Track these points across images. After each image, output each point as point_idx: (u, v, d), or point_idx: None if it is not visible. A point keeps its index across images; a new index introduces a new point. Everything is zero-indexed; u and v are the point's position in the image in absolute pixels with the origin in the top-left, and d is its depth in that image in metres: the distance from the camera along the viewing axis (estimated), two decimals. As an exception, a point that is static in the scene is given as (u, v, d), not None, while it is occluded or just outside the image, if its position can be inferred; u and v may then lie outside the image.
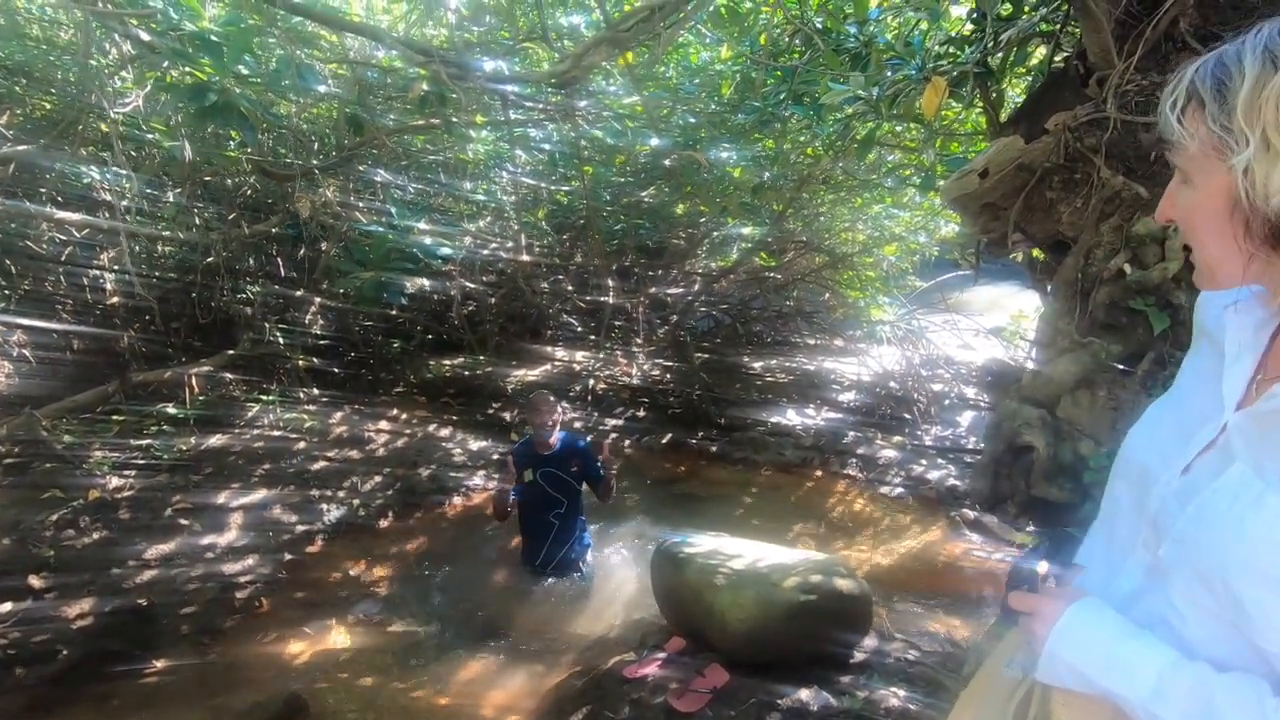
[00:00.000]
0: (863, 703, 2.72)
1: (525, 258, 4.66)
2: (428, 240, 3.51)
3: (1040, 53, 3.01)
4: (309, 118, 4.71)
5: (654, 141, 3.67)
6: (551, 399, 3.97)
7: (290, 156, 4.40)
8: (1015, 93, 3.19)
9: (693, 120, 3.53)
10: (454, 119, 3.29)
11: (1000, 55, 2.74)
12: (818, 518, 4.74)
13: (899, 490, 5.00)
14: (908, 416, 6.24)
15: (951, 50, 2.86)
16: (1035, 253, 2.07)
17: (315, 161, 4.02)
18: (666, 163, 3.90)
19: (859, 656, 3.09)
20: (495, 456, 5.30)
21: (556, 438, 3.84)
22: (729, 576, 2.96)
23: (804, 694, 2.77)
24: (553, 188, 4.74)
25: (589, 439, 4.10)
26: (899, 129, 3.27)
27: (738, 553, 3.20)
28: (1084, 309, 1.65)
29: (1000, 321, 7.45)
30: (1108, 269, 1.59)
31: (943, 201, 1.88)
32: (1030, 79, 2.99)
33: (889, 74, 2.60)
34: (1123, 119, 1.57)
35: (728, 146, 3.67)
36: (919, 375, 6.71)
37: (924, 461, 5.31)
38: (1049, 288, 1.79)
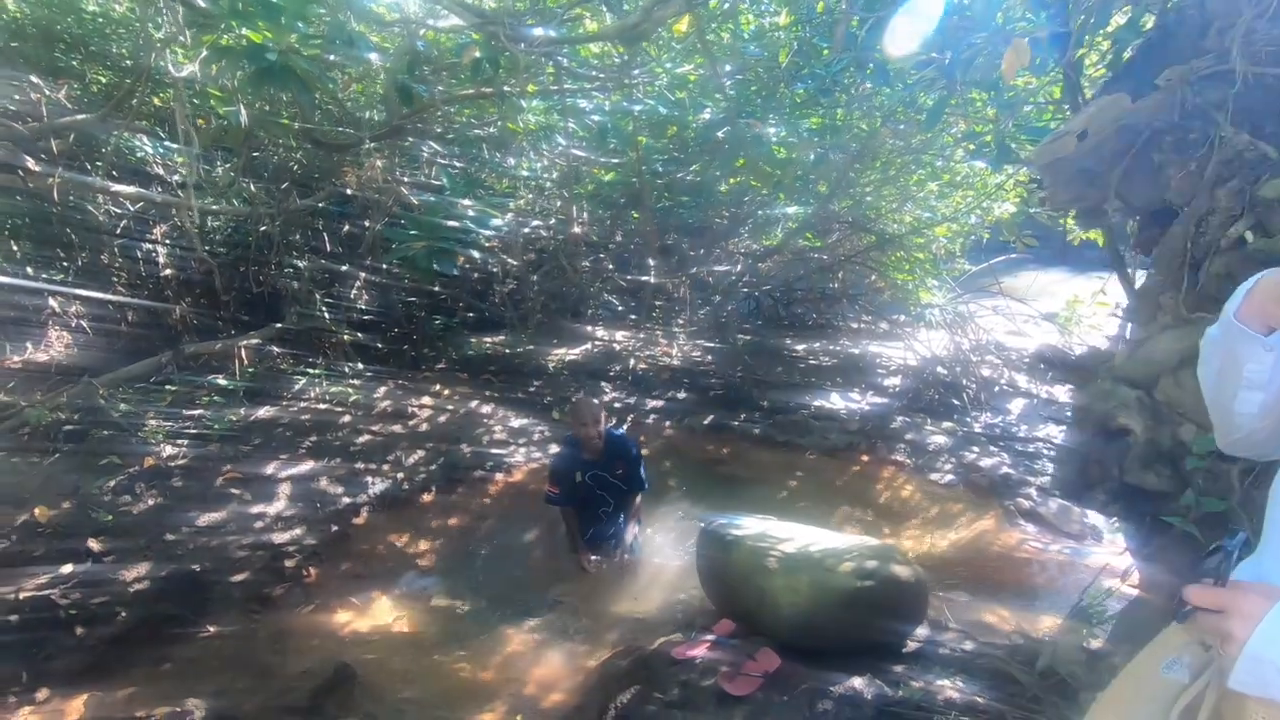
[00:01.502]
0: (920, 693, 2.63)
1: (577, 230, 4.58)
2: (474, 213, 3.46)
3: (1117, 20, 2.82)
4: (359, 90, 4.70)
5: (706, 114, 3.56)
6: (595, 405, 3.89)
7: (341, 128, 4.39)
8: (1095, 57, 3.00)
9: (751, 85, 3.38)
10: (507, 87, 3.21)
11: (1081, 17, 2.57)
12: (864, 503, 4.63)
13: (949, 478, 4.85)
14: (956, 403, 6.06)
15: (1028, 15, 2.70)
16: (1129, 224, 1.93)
17: (366, 132, 3.99)
18: (719, 134, 3.79)
19: (912, 646, 2.99)
20: (536, 437, 5.29)
21: (601, 442, 3.79)
22: (781, 560, 2.88)
23: (857, 682, 2.69)
24: (603, 160, 4.65)
25: (636, 441, 4.04)
26: (969, 96, 3.10)
27: (788, 536, 3.11)
28: (1193, 281, 1.52)
29: (1051, 307, 7.20)
30: (1225, 237, 1.46)
31: (1031, 166, 1.76)
32: (1114, 43, 2.80)
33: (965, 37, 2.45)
34: (1254, 71, 1.42)
35: (782, 119, 3.54)
36: (968, 360, 6.50)
37: (975, 449, 5.15)
38: (1151, 259, 1.66)
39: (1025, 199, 6.21)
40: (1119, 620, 2.00)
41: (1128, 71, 1.70)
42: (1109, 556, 3.84)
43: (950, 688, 2.69)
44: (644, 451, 4.13)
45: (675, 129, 4.00)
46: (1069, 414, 1.92)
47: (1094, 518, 4.28)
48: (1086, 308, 7.32)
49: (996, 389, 6.37)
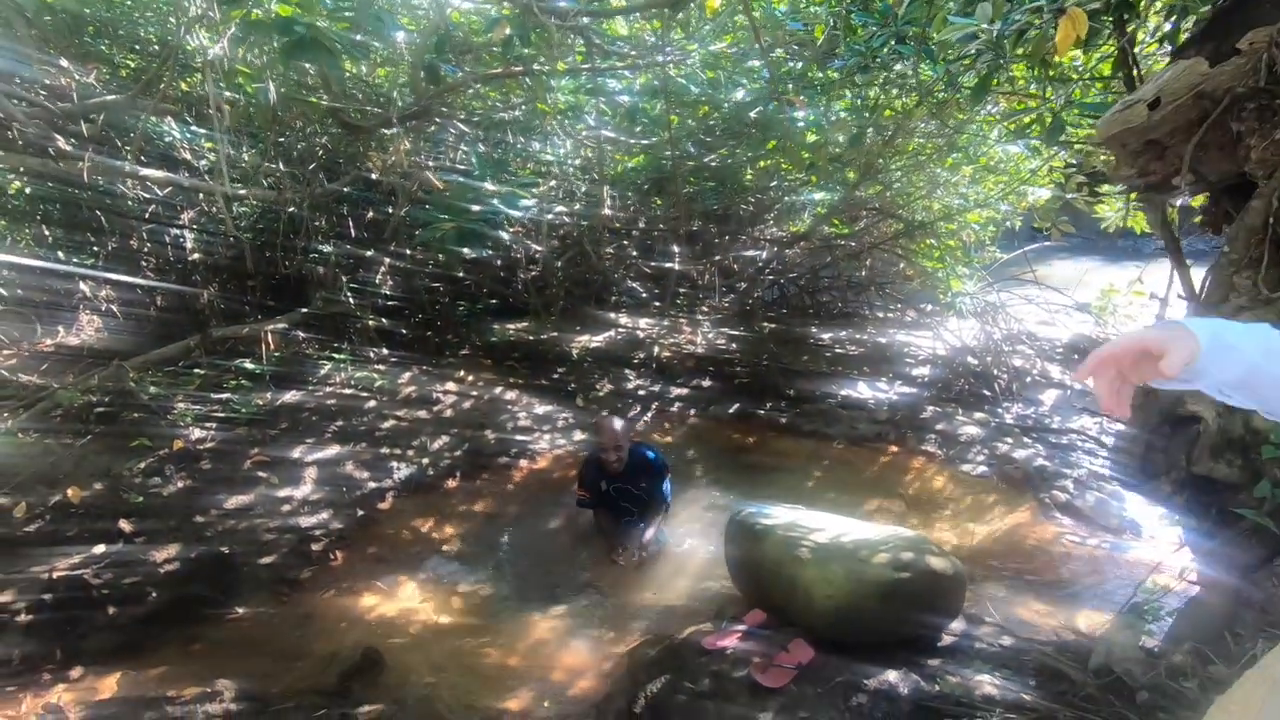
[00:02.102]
0: (958, 688, 2.56)
1: (606, 211, 4.50)
2: (501, 195, 3.41)
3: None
4: (383, 74, 4.66)
5: (739, 93, 3.46)
6: (618, 426, 3.86)
7: (368, 109, 4.33)
8: (1148, 30, 2.86)
9: (786, 64, 3.27)
10: (537, 65, 3.15)
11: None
12: (894, 494, 4.54)
13: (982, 469, 4.74)
14: (987, 393, 5.92)
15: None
16: (1195, 200, 1.83)
17: (393, 113, 3.94)
18: (752, 114, 3.69)
19: (948, 640, 2.92)
20: (560, 424, 5.26)
21: (623, 462, 3.79)
22: (814, 550, 2.82)
23: (892, 676, 2.62)
24: (633, 142, 4.56)
25: (663, 458, 4.03)
26: (1012, 74, 2.97)
27: (820, 526, 3.05)
28: (1274, 259, 1.42)
29: (1083, 298, 7.03)
30: (1312, 211, 1.36)
31: (1096, 138, 1.66)
32: (1171, 14, 2.66)
33: (1016, 5, 2.33)
34: (1351, 29, 1.32)
35: (816, 99, 3.43)
36: (1000, 350, 6.35)
37: (1009, 440, 5.03)
38: (1225, 236, 1.56)
39: (1062, 184, 6.04)
40: (1178, 619, 1.91)
41: (1206, 34, 1.59)
42: (1153, 552, 3.73)
43: (989, 683, 2.61)
44: (669, 446, 4.10)
45: (707, 109, 3.91)
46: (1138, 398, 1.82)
47: (1134, 511, 4.15)
48: (1122, 297, 7.16)
49: (1029, 379, 6.22)
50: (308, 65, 3.07)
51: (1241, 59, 1.47)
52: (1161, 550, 3.70)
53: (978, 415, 5.46)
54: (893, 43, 2.90)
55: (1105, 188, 6.16)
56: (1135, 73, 2.47)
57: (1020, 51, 2.35)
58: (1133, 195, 5.96)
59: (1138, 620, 1.97)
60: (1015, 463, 4.71)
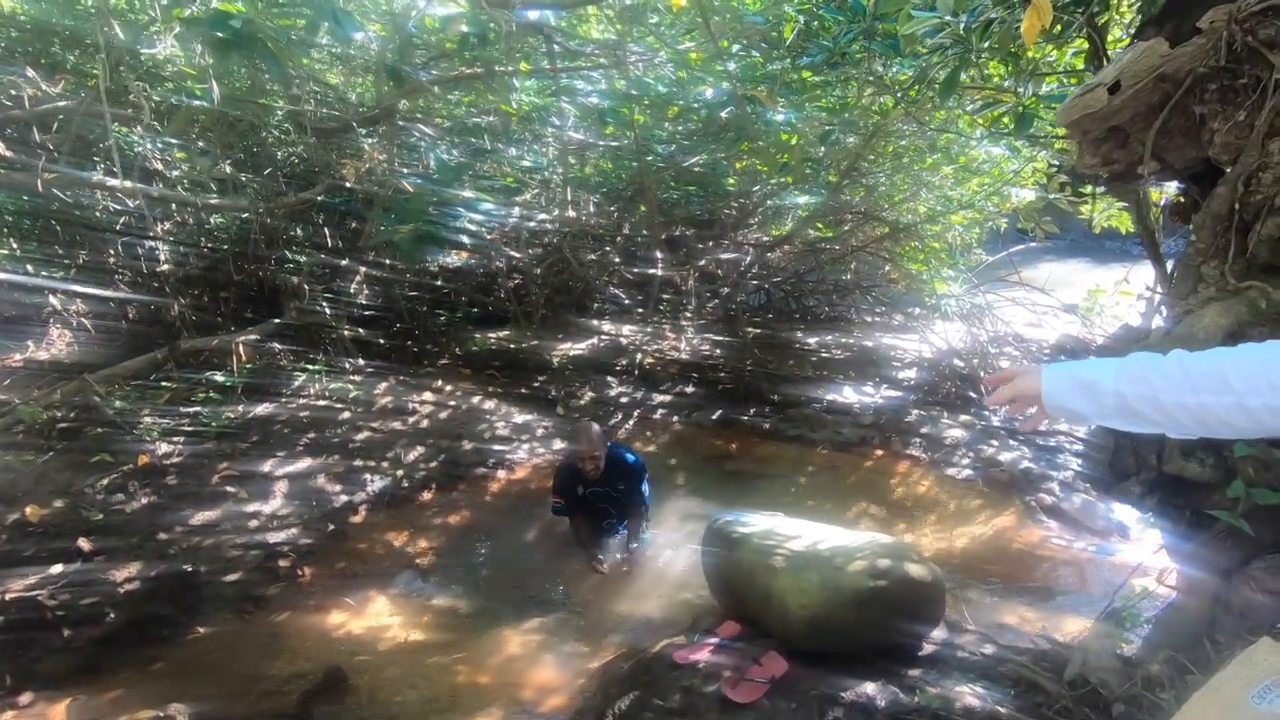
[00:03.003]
0: (937, 699, 2.48)
1: (571, 213, 4.43)
2: (464, 198, 3.32)
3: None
4: (338, 77, 4.57)
5: (709, 93, 3.40)
6: (595, 431, 3.80)
7: (326, 111, 4.25)
8: (1122, 16, 2.82)
9: (756, 62, 3.21)
10: (497, 66, 3.09)
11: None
12: (879, 499, 4.46)
13: (967, 472, 4.67)
14: (973, 395, 5.86)
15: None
16: (1155, 194, 1.76)
17: (354, 117, 3.87)
18: (723, 115, 3.63)
19: (928, 649, 2.84)
20: (540, 433, 5.17)
21: (599, 469, 3.72)
22: (789, 558, 2.73)
23: (869, 688, 2.54)
24: (601, 144, 4.49)
25: (640, 461, 3.95)
26: (986, 71, 2.92)
27: (796, 533, 2.97)
28: (1240, 247, 1.36)
29: (1070, 299, 6.99)
30: (1279, 196, 1.29)
31: (1057, 124, 1.60)
32: (1141, 8, 2.62)
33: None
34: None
35: (789, 101, 3.37)
36: (986, 352, 6.30)
37: (994, 442, 4.96)
38: (1190, 227, 1.49)
39: (1045, 185, 6.01)
40: (1155, 626, 1.84)
41: (1165, 14, 1.53)
42: (1140, 555, 3.66)
43: (970, 694, 2.53)
44: (651, 454, 4.02)
45: (677, 109, 3.85)
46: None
47: (1121, 514, 4.09)
48: (1109, 297, 7.13)
49: (1015, 381, 6.16)
50: (259, 66, 2.99)
51: (1202, 38, 1.41)
52: (1145, 553, 3.64)
53: (963, 418, 5.40)
54: (862, 39, 2.85)
55: (1088, 188, 6.15)
56: (1105, 62, 2.42)
57: (987, 45, 2.29)
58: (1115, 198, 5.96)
59: (1115, 628, 1.90)
60: (1001, 466, 4.64)
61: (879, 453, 5.04)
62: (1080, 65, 3.19)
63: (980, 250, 7.49)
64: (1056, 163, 6.07)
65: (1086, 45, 2.81)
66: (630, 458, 3.90)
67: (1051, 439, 5.15)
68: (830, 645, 2.62)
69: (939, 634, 2.90)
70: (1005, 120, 2.79)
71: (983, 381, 1.20)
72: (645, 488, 3.92)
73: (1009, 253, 7.38)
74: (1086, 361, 1.04)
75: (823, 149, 3.93)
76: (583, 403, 5.65)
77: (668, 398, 5.80)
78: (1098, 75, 1.52)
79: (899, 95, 3.06)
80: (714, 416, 5.58)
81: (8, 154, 3.64)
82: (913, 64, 2.72)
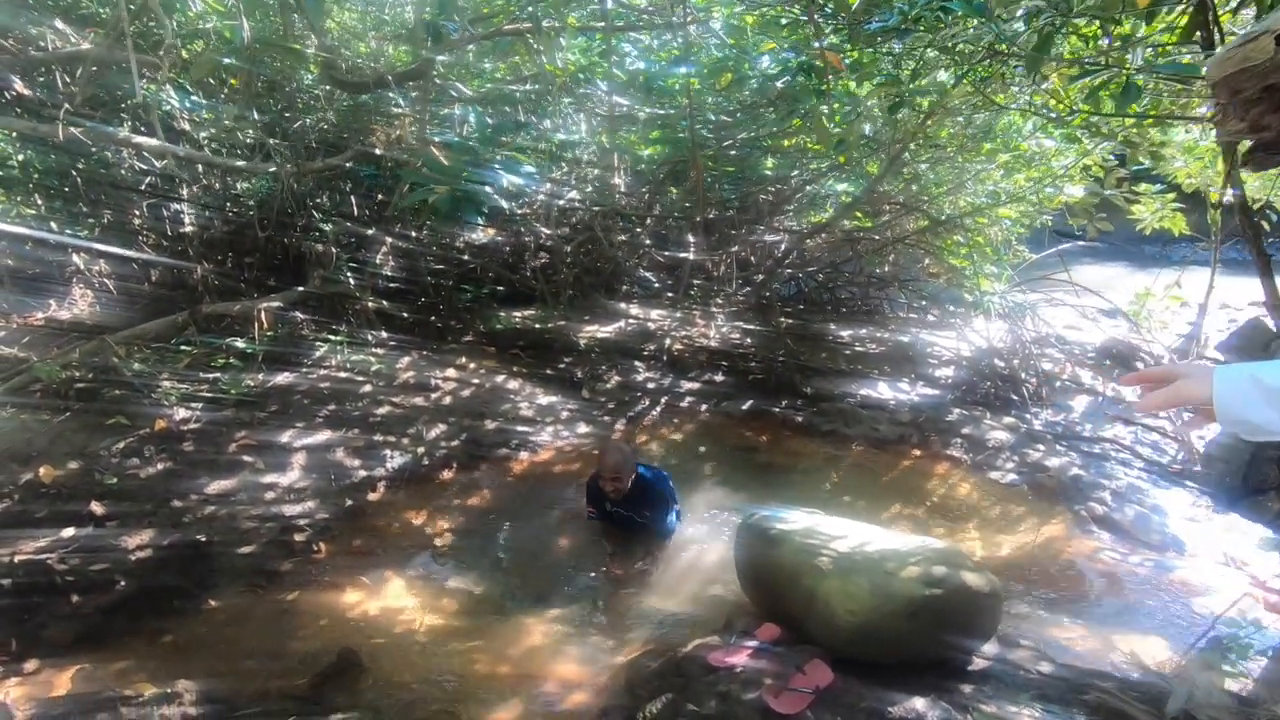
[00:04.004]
0: (990, 719, 2.29)
1: (616, 180, 4.22)
2: (499, 163, 3.13)
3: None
4: (379, 37, 4.40)
5: (765, 61, 3.19)
6: (620, 453, 3.60)
7: (363, 64, 4.06)
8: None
9: (820, 22, 2.97)
10: (546, 22, 2.89)
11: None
12: (917, 500, 4.25)
13: (1011, 477, 4.44)
14: (1015, 397, 5.61)
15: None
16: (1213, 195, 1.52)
17: (388, 71, 3.69)
18: (779, 84, 3.41)
19: (979, 664, 2.65)
20: (565, 415, 5.01)
21: (621, 494, 3.54)
22: (835, 560, 2.55)
23: (919, 703, 2.36)
24: (650, 112, 4.27)
25: (669, 488, 3.73)
26: (1070, 46, 2.68)
27: (841, 533, 2.78)
28: None
29: (1113, 302, 6.72)
30: None
31: (1207, 79, 1.39)
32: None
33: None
34: None
35: (851, 73, 3.14)
36: (1029, 353, 6.04)
37: (1040, 447, 4.72)
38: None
39: (1100, 180, 5.72)
40: (1275, 661, 1.63)
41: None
42: (1199, 573, 3.43)
43: (1028, 715, 2.34)
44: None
45: (730, 77, 3.63)
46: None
47: (1177, 528, 3.85)
48: (1158, 301, 6.82)
49: (1058, 384, 5.90)
50: (294, 13, 2.82)
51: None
52: (1212, 572, 3.40)
53: (1006, 420, 5.16)
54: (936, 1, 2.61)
55: (1144, 186, 5.84)
56: (1217, 32, 2.18)
57: (1091, 3, 2.06)
58: (1170, 198, 5.65)
59: (1218, 658, 1.70)
60: (1048, 471, 4.41)
61: (917, 452, 4.82)
62: (1171, 41, 2.93)
63: (1023, 248, 7.20)
64: (1115, 155, 5.78)
65: (1185, 19, 2.56)
66: (657, 485, 3.67)
67: (1098, 446, 4.90)
68: (877, 655, 2.44)
69: (991, 649, 2.71)
70: (1106, 92, 2.55)
71: (1123, 380, 1.09)
72: (672, 519, 3.70)
73: (1056, 250, 7.10)
74: (1270, 364, 0.88)
75: (881, 126, 3.68)
76: (609, 386, 5.48)
77: (696, 385, 5.61)
78: (1265, 20, 1.31)
79: (980, 65, 2.81)
80: (744, 407, 5.38)
81: (27, 92, 3.50)
82: (994, 31, 2.49)
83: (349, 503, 3.89)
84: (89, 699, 2.56)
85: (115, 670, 2.78)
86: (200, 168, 5.29)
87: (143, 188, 5.49)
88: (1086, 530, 3.90)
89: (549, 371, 5.53)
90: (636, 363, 5.80)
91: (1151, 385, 0.97)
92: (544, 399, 5.14)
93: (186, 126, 5.29)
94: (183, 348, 4.58)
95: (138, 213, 5.49)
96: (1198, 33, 2.27)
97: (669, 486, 3.73)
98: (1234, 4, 2.69)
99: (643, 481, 3.61)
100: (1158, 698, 1.84)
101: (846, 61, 3.01)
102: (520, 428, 4.79)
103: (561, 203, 6.03)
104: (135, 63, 2.78)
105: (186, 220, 5.53)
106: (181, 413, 4.09)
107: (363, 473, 4.08)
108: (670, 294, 6.39)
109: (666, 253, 6.38)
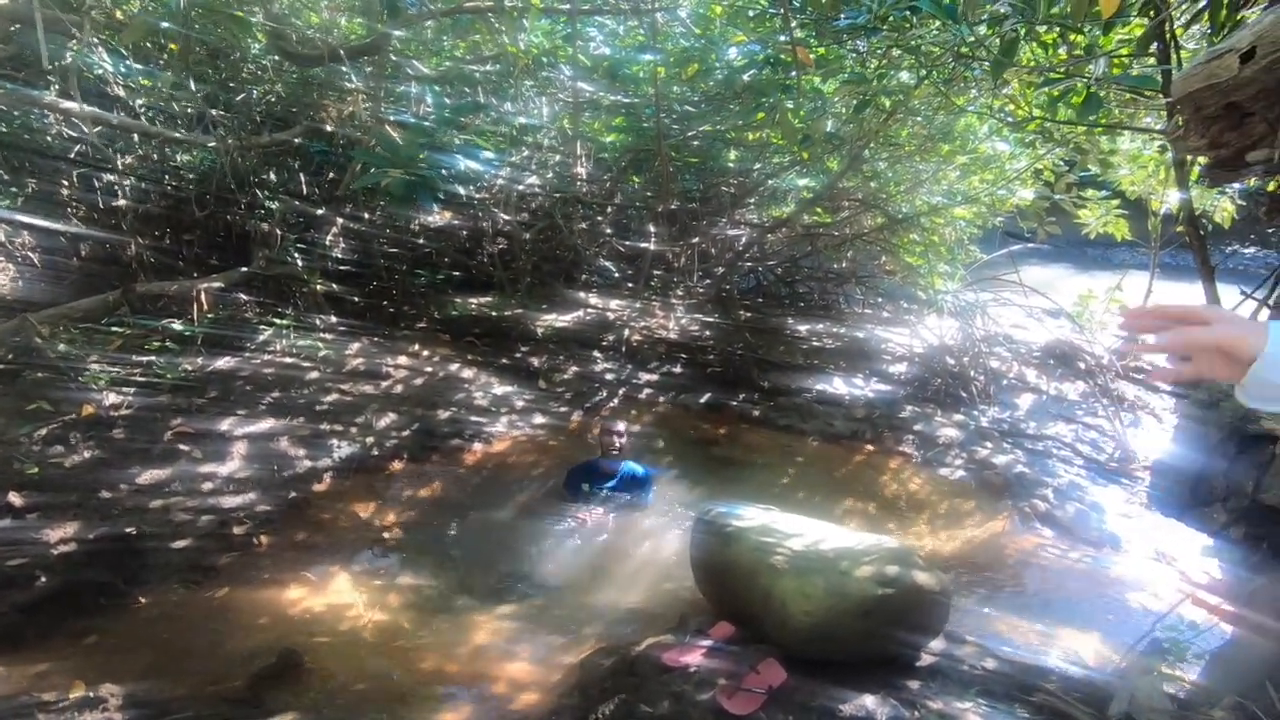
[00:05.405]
0: (937, 716, 2.33)
1: (579, 169, 4.14)
2: (456, 148, 3.03)
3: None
4: (331, 8, 4.20)
5: (732, 53, 3.14)
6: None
7: (314, 37, 3.88)
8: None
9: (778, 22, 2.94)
10: (508, 2, 2.78)
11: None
12: (870, 495, 4.32)
13: (960, 473, 4.55)
14: (964, 394, 5.75)
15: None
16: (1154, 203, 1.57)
17: (341, 45, 3.52)
18: (745, 77, 3.38)
19: (926, 660, 2.69)
20: (520, 406, 4.93)
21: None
22: (791, 559, 2.55)
23: (869, 700, 2.38)
24: (610, 98, 4.19)
25: (653, 473, 4.16)
26: (1030, 52, 2.72)
27: (797, 531, 2.78)
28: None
29: (1056, 303, 6.93)
30: None
31: (1174, 93, 1.40)
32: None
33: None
34: None
35: (819, 68, 3.13)
36: (978, 351, 6.19)
37: (988, 444, 4.85)
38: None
39: (1050, 184, 5.87)
40: (1214, 663, 1.69)
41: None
42: (1134, 570, 3.56)
43: (973, 711, 2.39)
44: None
45: (696, 67, 3.59)
46: (1177, 413, 1.58)
47: (1113, 526, 4.00)
48: (1099, 303, 7.07)
49: (1005, 382, 6.06)
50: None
51: (1363, 3, 1.22)
52: (1145, 568, 3.54)
53: (956, 417, 5.28)
54: (911, 1, 2.60)
55: (1090, 192, 6.04)
56: (1173, 45, 2.22)
57: (1055, 11, 2.07)
58: (1114, 204, 5.85)
59: (1158, 659, 1.75)
60: (995, 468, 4.52)
61: (870, 448, 4.89)
62: (1126, 54, 2.99)
63: (974, 248, 7.36)
64: (1066, 161, 5.94)
65: (1140, 29, 2.61)
66: (646, 472, 4.09)
67: (1040, 443, 5.06)
68: (830, 654, 2.46)
69: (938, 645, 2.75)
70: (1065, 102, 2.59)
71: (1128, 315, 0.80)
72: (650, 494, 4.05)
73: (1007, 251, 7.28)
74: None
75: (844, 123, 3.69)
76: (566, 377, 5.41)
77: (654, 377, 5.59)
78: (1229, 40, 1.32)
79: (940, 67, 2.83)
80: (702, 400, 5.38)
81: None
82: (960, 34, 2.50)
83: (293, 494, 3.74)
84: (4, 704, 2.39)
85: (34, 673, 2.61)
86: (136, 137, 4.99)
87: (72, 156, 5.16)
88: (1030, 526, 4.02)
89: (505, 361, 5.43)
90: (595, 353, 5.75)
91: (1164, 325, 0.80)
92: (499, 389, 5.04)
93: (121, 93, 4.99)
94: (114, 329, 4.33)
95: (66, 183, 5.16)
96: (1153, 44, 2.32)
97: (650, 486, 4.11)
98: (1185, 19, 2.76)
99: (632, 468, 4.03)
100: (1100, 698, 1.90)
101: (813, 56, 3.00)
102: (474, 418, 4.69)
103: (521, 188, 5.90)
104: (41, 20, 2.57)
105: (120, 193, 5.22)
106: (112, 398, 3.86)
107: (308, 463, 3.94)
108: (630, 284, 6.34)
109: (627, 242, 6.32)
